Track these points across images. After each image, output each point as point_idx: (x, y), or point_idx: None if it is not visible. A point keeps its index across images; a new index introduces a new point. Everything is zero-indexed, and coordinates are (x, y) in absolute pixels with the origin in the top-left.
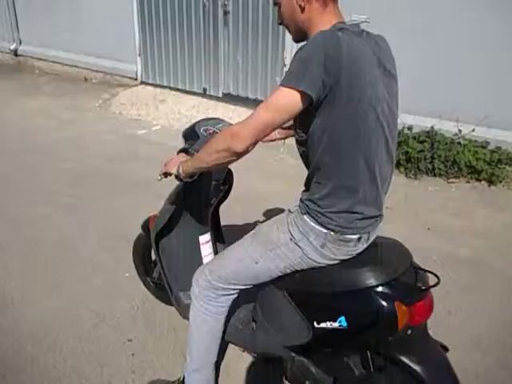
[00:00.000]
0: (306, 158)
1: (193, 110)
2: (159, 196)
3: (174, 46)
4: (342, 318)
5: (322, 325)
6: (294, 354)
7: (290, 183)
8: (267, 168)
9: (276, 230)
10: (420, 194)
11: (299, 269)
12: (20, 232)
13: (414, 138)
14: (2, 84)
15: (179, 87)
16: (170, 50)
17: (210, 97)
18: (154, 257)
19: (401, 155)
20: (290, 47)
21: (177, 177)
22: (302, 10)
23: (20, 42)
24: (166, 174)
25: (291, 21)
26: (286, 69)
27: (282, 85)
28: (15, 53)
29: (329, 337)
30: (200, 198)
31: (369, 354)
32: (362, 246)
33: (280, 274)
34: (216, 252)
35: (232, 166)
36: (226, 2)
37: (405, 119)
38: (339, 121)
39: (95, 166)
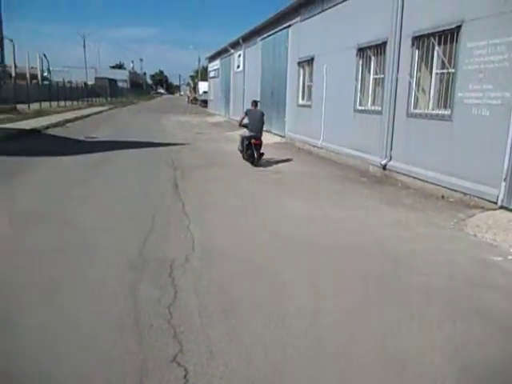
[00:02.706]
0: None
1: None
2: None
3: None
4: (248, 143)
5: (246, 147)
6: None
7: None
8: None
9: (245, 131)
10: None
11: (247, 136)
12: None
13: None
14: (368, 192)
15: None
16: None
17: None
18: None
19: None
20: None
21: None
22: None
23: (390, 158)
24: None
25: None
26: None
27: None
28: (384, 167)
29: (248, 147)
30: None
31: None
32: (253, 135)
33: (245, 136)
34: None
35: None
36: None
37: None
38: (248, 118)
39: (446, 285)
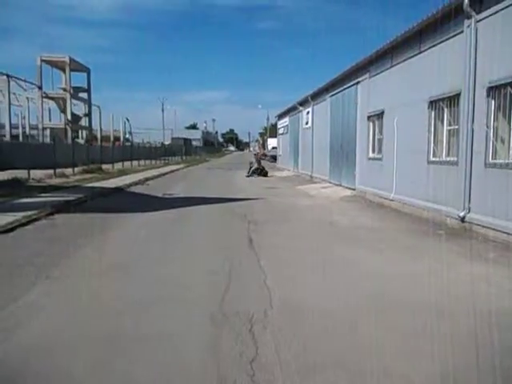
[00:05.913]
0: None
1: None
2: None
3: None
4: (255, 169)
5: (254, 170)
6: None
7: None
8: None
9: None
10: None
11: (255, 166)
12: None
13: None
14: (447, 245)
15: None
16: None
17: None
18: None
19: None
20: None
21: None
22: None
23: (469, 210)
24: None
25: None
26: None
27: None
28: (462, 219)
29: (254, 171)
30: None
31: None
32: (257, 166)
33: (252, 166)
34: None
35: None
36: None
37: None
38: (255, 160)
39: None
